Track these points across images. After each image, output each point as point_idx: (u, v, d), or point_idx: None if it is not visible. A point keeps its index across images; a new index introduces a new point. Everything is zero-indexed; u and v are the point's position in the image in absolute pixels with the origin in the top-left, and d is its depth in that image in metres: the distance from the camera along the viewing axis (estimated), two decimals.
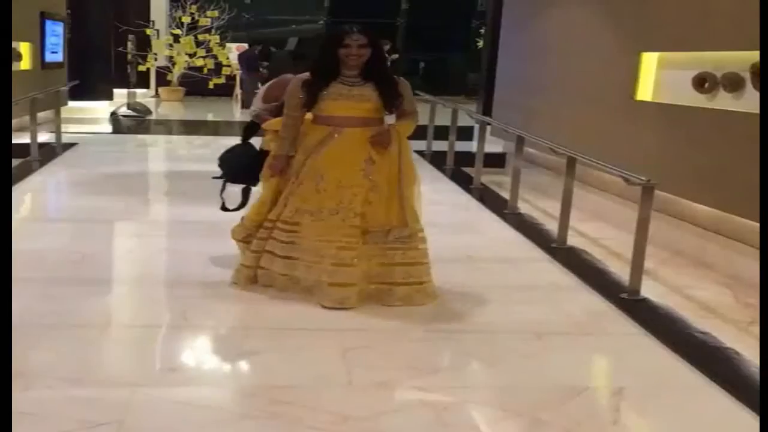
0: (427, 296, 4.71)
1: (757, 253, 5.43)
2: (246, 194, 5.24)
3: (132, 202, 7.79)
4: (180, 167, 10.74)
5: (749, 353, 4.18)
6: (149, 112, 16.55)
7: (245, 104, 19.44)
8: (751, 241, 5.55)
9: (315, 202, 4.53)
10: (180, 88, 21.31)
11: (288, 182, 4.66)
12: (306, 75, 4.62)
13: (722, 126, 5.88)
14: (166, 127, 15.93)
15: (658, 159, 6.50)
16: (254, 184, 5.14)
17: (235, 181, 5.19)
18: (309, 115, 4.70)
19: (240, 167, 5.09)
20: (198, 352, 4.07)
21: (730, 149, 5.78)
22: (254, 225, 4.79)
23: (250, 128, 5.23)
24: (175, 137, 14.43)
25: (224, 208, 5.23)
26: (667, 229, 6.35)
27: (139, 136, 13.73)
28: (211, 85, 20.27)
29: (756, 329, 4.69)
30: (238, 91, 20.53)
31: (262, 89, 5.24)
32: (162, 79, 21.37)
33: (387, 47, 20.70)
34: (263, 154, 4.94)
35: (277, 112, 4.90)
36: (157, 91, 21.49)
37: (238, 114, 18.98)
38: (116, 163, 10.29)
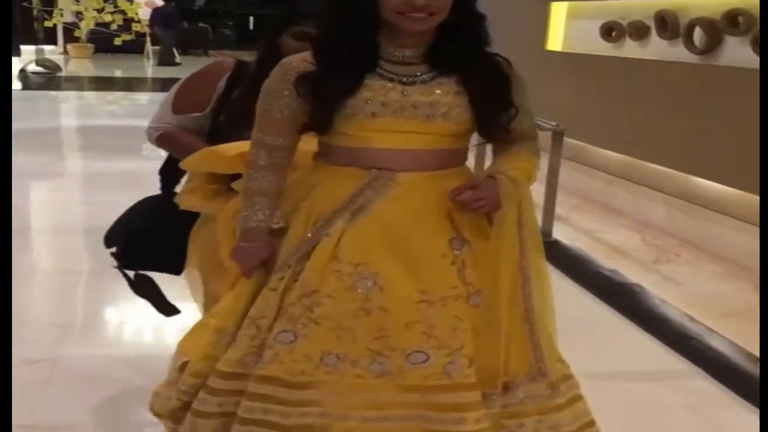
0: None
1: (665, 197, 5.71)
2: (149, 293, 2.92)
3: (48, 156, 7.72)
4: (94, 122, 10.63)
5: (653, 288, 4.43)
6: (59, 68, 16.18)
7: (162, 61, 19.21)
8: (659, 186, 5.80)
9: (364, 337, 1.94)
10: (89, 44, 20.84)
11: (266, 288, 2.06)
12: (303, 57, 2.03)
13: (629, 74, 6.08)
14: (76, 83, 15.61)
15: (569, 108, 6.69)
16: (175, 271, 2.73)
17: (127, 263, 2.79)
18: (307, 144, 2.13)
19: (135, 236, 2.73)
20: (126, 295, 4.11)
21: (637, 96, 5.99)
22: (198, 382, 2.08)
23: (172, 167, 2.72)
24: (86, 93, 14.18)
25: (161, 308, 2.96)
26: (577, 177, 6.56)
27: (51, 93, 13.48)
28: (118, 42, 19.84)
29: (661, 267, 4.95)
30: (149, 47, 20.21)
31: (173, 89, 2.69)
32: (69, 36, 20.85)
33: None
34: (181, 214, 2.53)
35: (212, 130, 2.59)
36: (65, 47, 20.97)
37: (150, 71, 18.75)
38: (29, 119, 10.08)
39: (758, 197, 4.71)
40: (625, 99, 6.12)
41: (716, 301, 4.26)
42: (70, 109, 12.28)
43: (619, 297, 4.28)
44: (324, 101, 1.96)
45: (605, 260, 4.96)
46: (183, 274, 2.66)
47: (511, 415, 2.02)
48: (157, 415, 2.20)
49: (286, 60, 2.04)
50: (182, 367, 2.13)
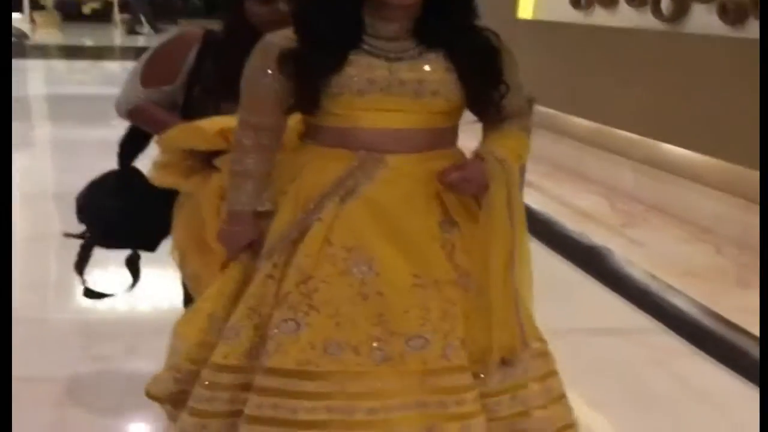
0: None
1: (634, 164, 5.81)
2: (133, 268, 2.85)
3: (17, 124, 7.66)
4: (63, 91, 10.58)
5: (620, 250, 4.54)
6: (26, 36, 16.02)
7: (131, 29, 19.03)
8: (627, 153, 5.90)
9: (363, 323, 1.88)
10: (56, 12, 20.64)
11: (262, 275, 1.97)
12: (284, 34, 1.96)
13: (598, 41, 6.16)
14: (45, 52, 15.46)
15: (540, 76, 6.74)
16: (149, 248, 2.74)
17: (107, 243, 2.76)
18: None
19: (110, 217, 2.66)
20: (96, 257, 4.18)
21: (606, 63, 6.06)
22: (194, 368, 2.02)
23: (131, 141, 2.70)
24: (55, 62, 14.08)
25: (89, 293, 2.89)
26: (547, 145, 6.63)
27: (19, 61, 13.32)
28: (87, 10, 19.65)
29: (628, 231, 5.05)
30: (118, 16, 20.03)
31: (140, 61, 2.59)
32: (36, 4, 20.61)
33: None
34: (148, 189, 2.47)
35: (186, 104, 2.52)
36: (31, 16, 20.72)
37: (119, 39, 18.61)
38: None
39: (724, 162, 4.83)
40: (595, 66, 6.19)
41: (680, 262, 4.36)
42: (38, 78, 12.21)
43: (587, 259, 4.38)
44: (308, 79, 1.89)
45: (574, 225, 5.05)
46: (169, 252, 2.57)
47: (488, 395, 1.98)
48: (154, 399, 2.13)
49: (267, 37, 1.97)
50: (174, 355, 2.09)
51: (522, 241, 2.02)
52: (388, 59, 1.89)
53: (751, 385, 3.09)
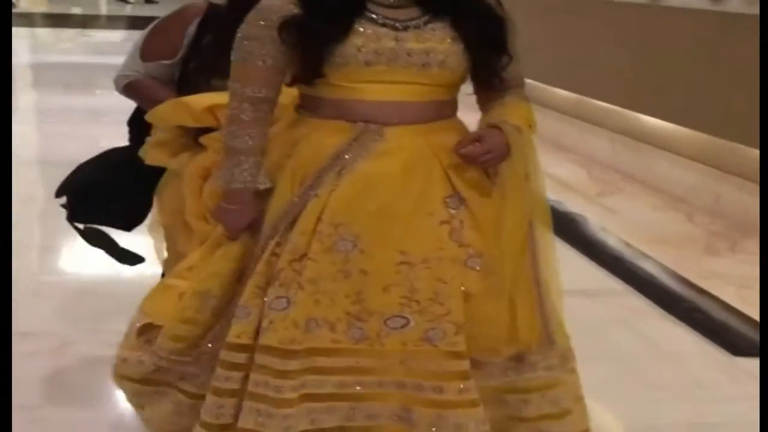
0: None
1: (612, 134, 5.91)
2: (101, 245, 2.77)
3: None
4: (50, 59, 10.57)
5: (595, 218, 4.69)
6: (12, 4, 15.93)
7: None
8: (606, 124, 6.00)
9: (342, 300, 1.83)
10: None
11: (260, 255, 1.90)
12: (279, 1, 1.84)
13: (580, 13, 6.23)
14: (30, 20, 15.39)
15: (521, 46, 6.83)
16: (118, 225, 2.68)
17: (73, 216, 2.65)
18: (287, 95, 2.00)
19: (77, 187, 2.61)
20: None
21: (587, 36, 6.14)
22: (180, 346, 1.96)
23: (140, 118, 2.47)
24: (40, 30, 14.04)
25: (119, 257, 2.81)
26: None
27: None
28: None
29: (603, 200, 5.16)
30: None
31: (142, 35, 2.53)
32: None
33: None
34: (144, 168, 2.37)
35: (180, 79, 2.48)
36: None
37: (106, 8, 18.51)
38: None
39: (698, 133, 4.93)
40: (575, 38, 6.27)
41: (651, 229, 4.51)
42: (24, 45, 12.16)
43: (562, 225, 4.47)
44: (312, 49, 1.79)
45: (551, 193, 5.14)
46: (147, 231, 2.50)
47: (515, 390, 1.87)
48: (124, 379, 2.04)
49: (265, 2, 1.84)
50: (142, 330, 2.00)
51: (544, 235, 1.94)
52: (394, 29, 1.81)
53: (714, 345, 3.22)
